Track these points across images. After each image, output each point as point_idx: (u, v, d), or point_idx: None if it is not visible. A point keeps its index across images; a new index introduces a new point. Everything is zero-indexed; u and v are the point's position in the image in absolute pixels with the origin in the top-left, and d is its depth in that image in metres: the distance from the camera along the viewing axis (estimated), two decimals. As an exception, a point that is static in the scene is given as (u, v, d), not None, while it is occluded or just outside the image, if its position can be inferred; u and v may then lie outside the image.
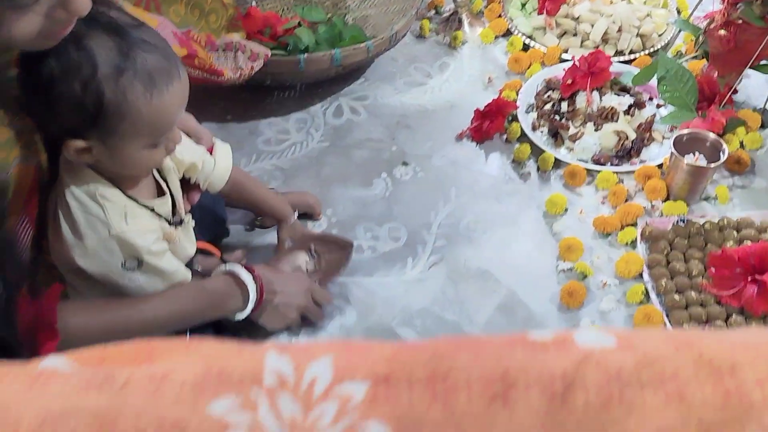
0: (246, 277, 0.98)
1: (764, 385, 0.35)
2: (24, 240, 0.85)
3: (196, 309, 0.96)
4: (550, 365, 0.36)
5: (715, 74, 1.39)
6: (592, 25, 1.56)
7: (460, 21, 1.66)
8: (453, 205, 1.30)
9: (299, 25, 1.59)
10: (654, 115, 1.40)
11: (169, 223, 0.94)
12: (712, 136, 1.26)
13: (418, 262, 1.21)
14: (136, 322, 0.90)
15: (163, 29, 1.10)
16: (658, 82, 1.36)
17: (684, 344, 0.38)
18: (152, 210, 0.91)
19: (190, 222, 1.01)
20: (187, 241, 0.99)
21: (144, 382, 0.37)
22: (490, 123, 1.39)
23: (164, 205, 0.94)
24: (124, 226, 0.85)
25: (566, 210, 1.27)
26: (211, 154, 1.04)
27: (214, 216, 1.18)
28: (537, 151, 1.36)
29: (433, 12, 1.72)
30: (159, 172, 0.96)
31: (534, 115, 1.42)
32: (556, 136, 1.38)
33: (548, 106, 1.42)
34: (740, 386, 0.35)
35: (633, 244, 1.21)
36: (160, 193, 0.95)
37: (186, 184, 1.02)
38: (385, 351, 0.38)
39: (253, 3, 1.66)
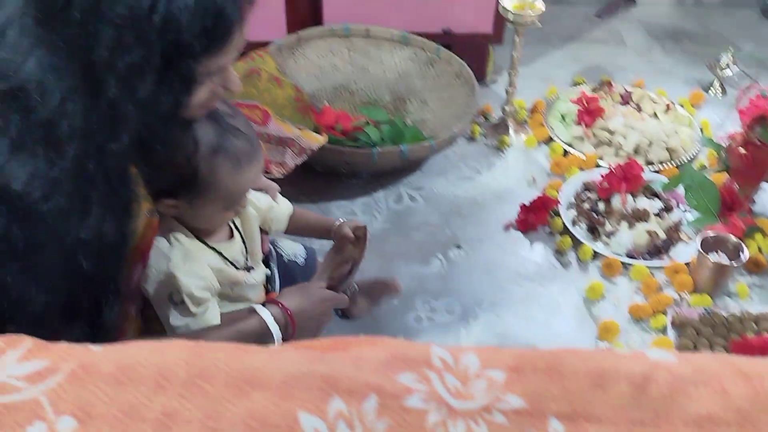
0: (268, 318, 1.03)
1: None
2: (135, 282, 1.01)
3: None
4: (632, 367, 0.52)
5: (736, 186, 1.57)
6: (625, 138, 1.77)
7: (506, 127, 1.89)
8: (501, 285, 1.46)
9: (366, 123, 1.82)
10: (681, 219, 1.58)
11: (236, 268, 1.07)
12: (733, 239, 1.43)
13: (471, 332, 1.36)
14: None
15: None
16: (685, 191, 1.55)
17: (724, 360, 0.54)
18: (219, 253, 1.05)
19: (260, 273, 1.14)
20: (253, 290, 1.12)
21: (348, 359, 0.53)
22: (535, 216, 1.57)
23: (232, 248, 1.08)
24: (180, 265, 0.99)
25: (604, 296, 1.43)
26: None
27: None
28: (577, 243, 1.53)
29: (482, 118, 1.95)
30: (234, 220, 1.11)
31: (574, 211, 1.61)
32: (594, 231, 1.56)
33: (586, 205, 1.61)
34: (765, 387, 0.51)
35: (664, 329, 1.35)
36: (231, 236, 1.10)
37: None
38: (513, 352, 0.54)
39: (325, 103, 1.90)
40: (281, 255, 1.32)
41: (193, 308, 1.00)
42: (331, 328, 1.32)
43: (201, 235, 1.04)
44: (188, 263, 1.01)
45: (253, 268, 1.12)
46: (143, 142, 0.77)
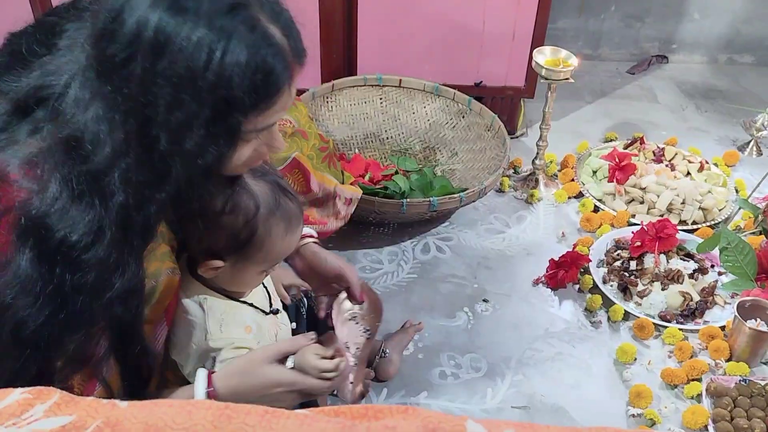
0: (198, 395, 0.92)
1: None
2: (160, 339, 1.00)
3: None
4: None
5: (773, 250, 1.53)
6: (658, 196, 1.75)
7: (536, 181, 1.87)
8: (530, 343, 1.43)
9: (396, 172, 1.82)
10: (716, 281, 1.53)
11: (265, 313, 1.06)
12: (772, 305, 1.38)
13: (497, 392, 1.32)
14: None
15: None
16: (721, 252, 1.51)
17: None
18: (250, 305, 1.04)
19: (283, 317, 1.12)
20: (285, 325, 1.11)
21: (380, 429, 0.51)
22: (565, 273, 1.55)
23: (257, 297, 1.07)
24: (219, 334, 0.98)
25: (635, 359, 1.39)
26: None
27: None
28: (607, 302, 1.50)
29: (512, 171, 1.94)
30: None
31: (605, 269, 1.58)
32: (625, 290, 1.52)
33: (618, 263, 1.58)
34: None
35: (698, 397, 1.30)
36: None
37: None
38: (551, 430, 0.52)
39: (356, 151, 1.91)
40: (312, 307, 1.31)
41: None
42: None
43: (230, 293, 1.02)
44: (226, 329, 0.98)
45: (279, 311, 1.11)
46: (186, 197, 0.77)
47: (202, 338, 0.98)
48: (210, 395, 0.89)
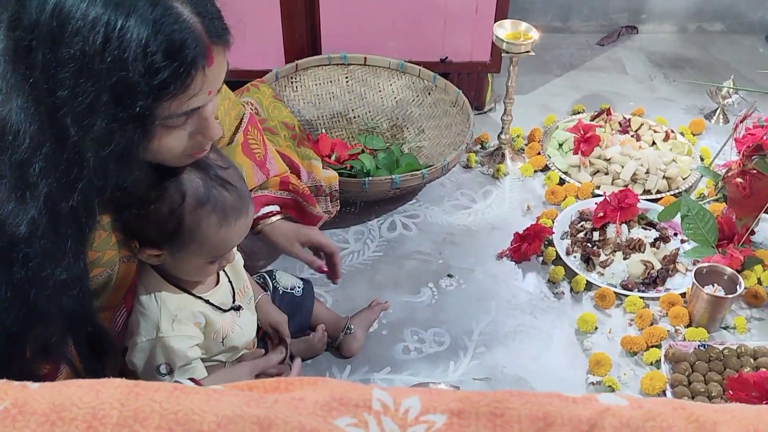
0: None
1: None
2: (119, 325, 1.01)
3: None
4: (578, 413, 0.51)
5: (734, 216, 1.54)
6: (623, 166, 1.75)
7: (503, 155, 1.88)
8: (492, 316, 1.44)
9: (362, 151, 1.82)
10: (678, 249, 1.55)
11: (223, 311, 1.06)
12: (729, 270, 1.40)
13: (459, 365, 1.34)
14: None
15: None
16: (682, 220, 1.52)
17: (679, 407, 0.52)
18: (206, 301, 1.04)
19: (249, 315, 1.13)
20: (246, 325, 1.12)
21: (288, 400, 0.52)
22: (528, 245, 1.55)
23: (218, 293, 1.07)
24: (169, 331, 0.98)
25: (596, 328, 1.40)
26: None
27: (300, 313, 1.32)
28: (570, 274, 1.51)
29: (479, 146, 1.94)
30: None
31: (568, 241, 1.59)
32: (588, 261, 1.53)
33: (581, 235, 1.58)
34: (718, 436, 0.49)
35: (657, 363, 1.32)
36: (218, 282, 1.09)
37: None
38: (457, 395, 0.53)
39: (323, 131, 1.91)
40: (276, 287, 1.32)
41: (178, 375, 1.00)
42: (320, 364, 1.32)
43: (186, 286, 1.02)
44: (177, 326, 0.99)
45: (241, 307, 1.11)
46: (120, 187, 0.77)
47: (153, 333, 0.98)
48: None
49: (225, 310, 1.07)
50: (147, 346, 0.99)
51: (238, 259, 1.15)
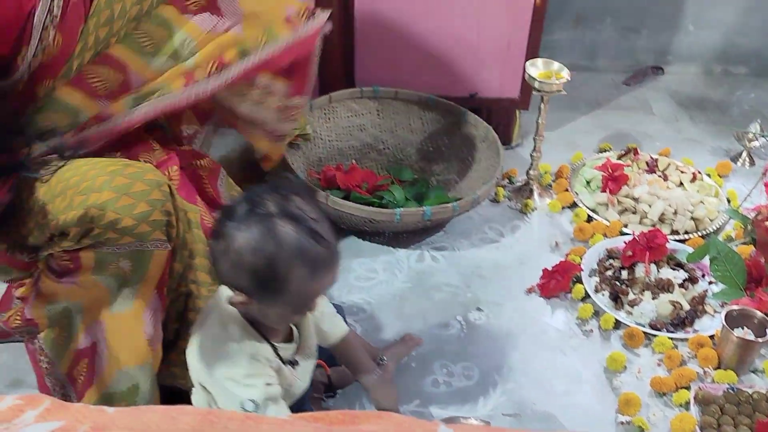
0: None
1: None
2: (154, 321, 1.04)
3: None
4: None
5: (762, 260, 1.55)
6: (650, 206, 1.77)
7: (531, 191, 1.90)
8: (521, 351, 1.45)
9: (392, 182, 1.85)
10: (706, 291, 1.55)
11: (283, 362, 1.05)
12: (759, 314, 1.40)
13: (488, 400, 1.34)
14: None
15: None
16: (711, 262, 1.53)
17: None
18: (273, 347, 1.03)
19: (307, 365, 1.12)
20: (300, 380, 1.10)
21: (355, 433, 0.53)
22: (557, 282, 1.57)
23: (287, 349, 1.07)
24: (245, 379, 0.97)
25: (625, 367, 1.41)
26: None
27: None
28: (599, 312, 1.52)
29: (507, 181, 1.97)
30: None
31: (596, 279, 1.60)
32: (616, 299, 1.54)
33: (609, 273, 1.60)
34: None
35: (686, 405, 1.32)
36: (290, 338, 1.08)
37: None
38: (519, 435, 0.54)
39: (353, 161, 1.94)
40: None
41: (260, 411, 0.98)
42: (350, 394, 1.33)
43: (262, 329, 1.02)
44: (254, 377, 0.98)
45: (298, 363, 1.09)
46: None
47: (221, 375, 0.98)
48: None
49: (284, 362, 1.06)
50: (222, 383, 0.98)
51: (311, 318, 1.13)
